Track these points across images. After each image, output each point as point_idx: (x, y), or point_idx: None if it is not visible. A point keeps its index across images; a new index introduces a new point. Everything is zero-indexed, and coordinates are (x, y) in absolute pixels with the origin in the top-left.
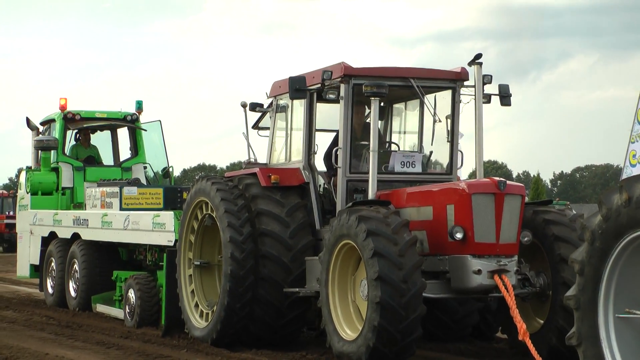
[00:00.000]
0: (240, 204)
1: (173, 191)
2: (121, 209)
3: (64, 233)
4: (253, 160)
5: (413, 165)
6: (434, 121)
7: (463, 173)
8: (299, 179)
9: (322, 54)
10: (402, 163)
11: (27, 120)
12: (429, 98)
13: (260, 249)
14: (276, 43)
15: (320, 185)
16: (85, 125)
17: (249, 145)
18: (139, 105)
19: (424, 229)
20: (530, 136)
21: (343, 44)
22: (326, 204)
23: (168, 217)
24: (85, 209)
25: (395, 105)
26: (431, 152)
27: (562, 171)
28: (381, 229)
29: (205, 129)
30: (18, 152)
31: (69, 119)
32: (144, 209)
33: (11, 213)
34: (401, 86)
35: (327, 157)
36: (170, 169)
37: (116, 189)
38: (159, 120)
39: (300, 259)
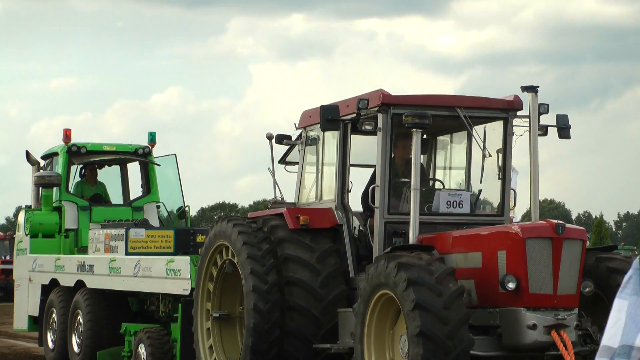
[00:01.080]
0: (264, 249)
1: (185, 233)
2: (127, 253)
3: (67, 280)
4: (279, 199)
5: (460, 206)
6: (484, 156)
7: (516, 214)
8: (331, 220)
9: (358, 80)
10: (448, 203)
11: (27, 153)
12: (477, 130)
13: (287, 300)
14: (306, 68)
15: (355, 228)
16: (91, 160)
17: (275, 182)
18: (152, 137)
19: (472, 278)
20: (592, 172)
21: (381, 69)
22: (362, 248)
23: (184, 263)
24: (88, 254)
25: (440, 138)
26: (480, 191)
27: (627, 212)
28: (424, 278)
29: (227, 163)
30: (16, 189)
31: (74, 153)
32: (152, 253)
33: (8, 257)
34: (446, 116)
35: (365, 197)
36: (187, 209)
37: (122, 231)
38: (174, 154)
39: (332, 311)
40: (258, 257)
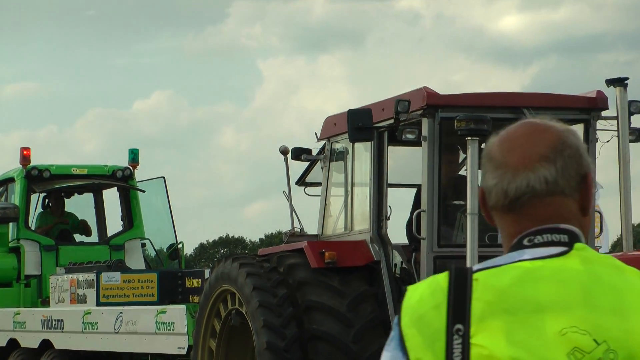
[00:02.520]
0: (281, 295)
1: (171, 277)
2: (98, 303)
3: (30, 341)
4: (298, 231)
5: None
6: None
7: (603, 243)
8: (366, 256)
9: (397, 76)
10: None
11: None
12: None
13: None
14: (330, 62)
15: (396, 265)
16: (57, 187)
17: (292, 209)
18: (134, 156)
19: None
20: None
21: (427, 62)
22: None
23: (178, 314)
24: (49, 306)
25: None
26: None
27: None
28: None
29: (230, 187)
30: None
31: (34, 178)
32: (129, 303)
33: None
34: (511, 120)
35: (410, 226)
36: (180, 246)
37: (91, 276)
38: (163, 177)
39: None
40: (273, 305)
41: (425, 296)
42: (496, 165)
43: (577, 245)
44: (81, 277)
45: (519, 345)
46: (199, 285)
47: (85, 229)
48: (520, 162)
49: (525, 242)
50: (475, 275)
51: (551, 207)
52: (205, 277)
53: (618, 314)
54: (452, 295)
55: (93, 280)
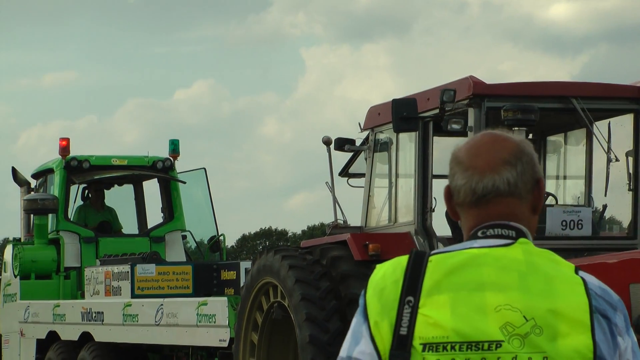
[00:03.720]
0: (324, 288)
1: (206, 269)
2: (133, 295)
3: (69, 333)
4: (341, 223)
5: (579, 226)
6: (609, 160)
7: None
8: (410, 248)
9: (443, 65)
10: (563, 223)
11: (14, 171)
12: (600, 126)
13: None
14: (375, 51)
15: None
16: (96, 177)
17: (335, 201)
18: (175, 147)
19: None
20: None
21: (474, 51)
22: None
23: (220, 306)
24: (84, 297)
25: (550, 139)
26: (605, 207)
27: None
28: None
29: (273, 178)
30: (1, 217)
31: (74, 169)
32: (164, 295)
33: None
34: (559, 110)
35: (449, 218)
36: (221, 238)
37: (126, 268)
38: (204, 168)
39: None
40: (315, 298)
41: (388, 273)
42: (465, 168)
43: (521, 239)
44: (116, 269)
45: (461, 317)
46: (234, 278)
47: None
48: (487, 165)
49: (479, 233)
50: (430, 258)
51: (508, 206)
52: (241, 270)
53: (547, 297)
54: (409, 272)
55: (128, 272)
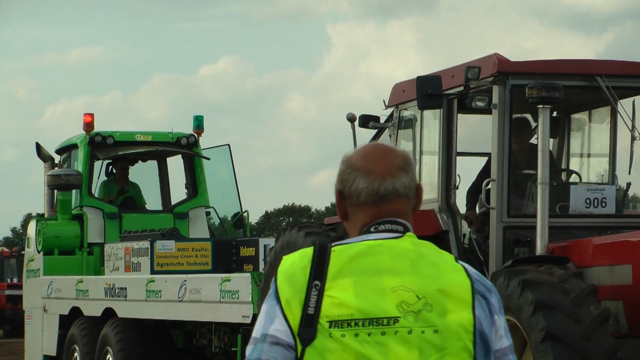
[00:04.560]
0: None
1: (226, 246)
2: (153, 271)
3: (92, 309)
4: None
5: (602, 204)
6: (633, 138)
7: None
8: (434, 226)
9: (468, 43)
10: (587, 201)
11: (38, 146)
12: (625, 104)
13: None
14: (400, 28)
15: (464, 235)
16: (120, 153)
17: None
18: (199, 123)
19: (621, 299)
20: None
21: (499, 28)
22: (474, 261)
23: (243, 282)
24: (104, 274)
25: (575, 117)
26: (629, 185)
27: None
28: (556, 300)
29: (297, 155)
30: (25, 193)
31: (98, 145)
32: (184, 271)
33: (15, 280)
34: (583, 88)
35: (473, 192)
36: (245, 215)
37: (146, 244)
38: (228, 145)
39: None
40: None
41: (296, 261)
42: (365, 172)
43: (408, 233)
44: (135, 245)
45: (363, 297)
46: (253, 254)
47: None
48: (386, 170)
49: (372, 229)
50: (333, 248)
51: (400, 205)
52: (260, 246)
53: (435, 280)
54: (315, 260)
55: (147, 248)
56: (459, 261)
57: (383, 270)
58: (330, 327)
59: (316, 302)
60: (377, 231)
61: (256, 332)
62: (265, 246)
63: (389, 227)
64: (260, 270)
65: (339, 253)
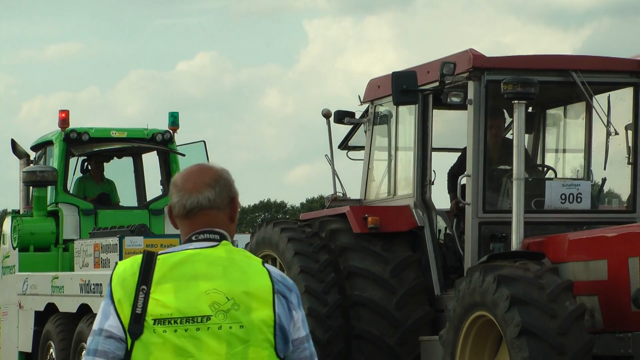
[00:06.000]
0: (322, 260)
1: None
2: None
3: (68, 305)
4: (340, 196)
5: (578, 199)
6: (608, 134)
7: None
8: (409, 221)
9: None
10: (562, 196)
11: (13, 143)
12: (600, 100)
13: (353, 326)
14: (376, 23)
15: (440, 231)
16: (96, 149)
17: (334, 174)
18: (174, 119)
19: (596, 294)
20: None
21: (476, 23)
22: (449, 258)
23: None
24: (74, 270)
25: (550, 112)
26: (604, 180)
27: None
28: (531, 295)
29: (273, 150)
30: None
31: (73, 141)
32: None
33: None
34: (559, 83)
35: (452, 177)
36: None
37: (114, 241)
38: (203, 141)
39: (412, 340)
40: (314, 271)
41: (127, 267)
42: (179, 189)
43: (223, 242)
44: (104, 241)
45: (181, 298)
46: None
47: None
48: (193, 187)
49: (192, 238)
50: (158, 257)
51: (211, 217)
52: (245, 243)
53: (242, 283)
54: (143, 267)
55: (116, 244)
56: (265, 265)
57: (199, 276)
58: (154, 324)
59: (143, 303)
60: (198, 240)
61: (95, 326)
62: (232, 242)
63: (207, 236)
64: None
65: (162, 261)
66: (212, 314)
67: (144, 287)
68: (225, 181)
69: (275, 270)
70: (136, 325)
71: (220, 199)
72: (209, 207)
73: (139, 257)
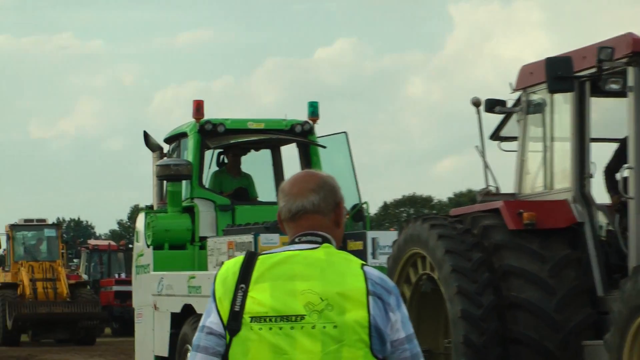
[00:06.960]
0: (476, 259)
1: None
2: None
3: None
4: (493, 189)
5: None
6: None
7: None
8: (568, 217)
9: (601, 21)
10: None
11: (146, 135)
12: None
13: (509, 330)
14: (527, 6)
15: (601, 227)
16: (232, 142)
17: (486, 166)
18: (314, 110)
19: None
20: None
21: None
22: (612, 256)
23: None
24: (207, 269)
25: None
26: None
27: None
28: None
29: (418, 142)
30: (132, 184)
31: (208, 133)
32: None
33: (123, 276)
34: None
35: (610, 174)
36: (364, 206)
37: (249, 238)
38: (345, 132)
39: (573, 344)
40: (467, 270)
41: (230, 267)
42: (285, 194)
43: (325, 244)
44: (239, 239)
45: (277, 298)
46: (361, 248)
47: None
48: (299, 192)
49: (295, 240)
50: (259, 257)
51: (314, 220)
52: (367, 240)
53: (337, 284)
54: (243, 267)
55: (251, 242)
56: (365, 267)
57: (296, 276)
58: (251, 321)
59: (241, 301)
60: (300, 242)
61: (200, 323)
62: (373, 239)
63: (310, 238)
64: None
65: (262, 261)
66: (307, 313)
67: (243, 285)
68: (330, 187)
69: (373, 272)
70: (234, 322)
71: (325, 204)
72: (313, 212)
73: (242, 257)
